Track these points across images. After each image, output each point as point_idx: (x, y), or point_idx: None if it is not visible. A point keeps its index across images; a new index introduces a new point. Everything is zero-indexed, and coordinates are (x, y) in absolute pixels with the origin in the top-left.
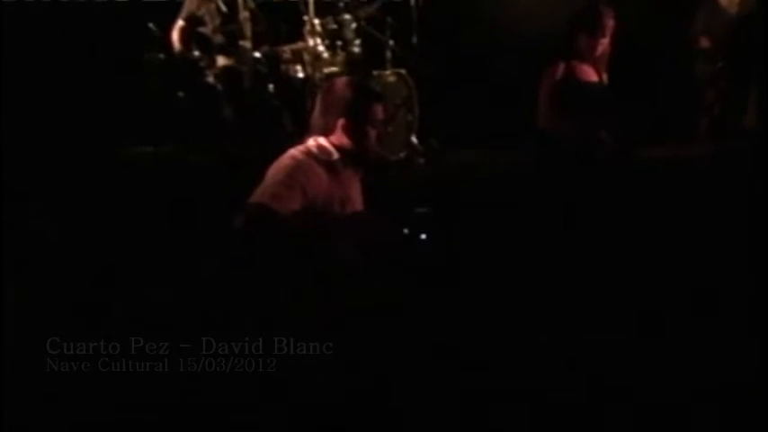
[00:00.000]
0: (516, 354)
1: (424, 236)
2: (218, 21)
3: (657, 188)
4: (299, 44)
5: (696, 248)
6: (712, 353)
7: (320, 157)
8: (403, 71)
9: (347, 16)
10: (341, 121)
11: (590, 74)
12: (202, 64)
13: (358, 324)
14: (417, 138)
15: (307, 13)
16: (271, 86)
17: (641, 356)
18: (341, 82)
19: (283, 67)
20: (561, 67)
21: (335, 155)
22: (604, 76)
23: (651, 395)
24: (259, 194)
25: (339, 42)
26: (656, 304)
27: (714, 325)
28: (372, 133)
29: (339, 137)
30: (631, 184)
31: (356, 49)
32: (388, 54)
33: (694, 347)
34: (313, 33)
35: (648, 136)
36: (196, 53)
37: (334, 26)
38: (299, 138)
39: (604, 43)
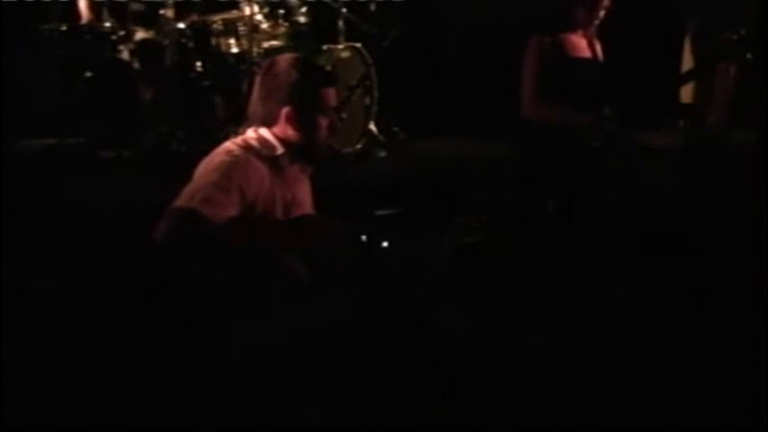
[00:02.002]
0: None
1: (386, 244)
2: None
3: (667, 183)
4: (233, 13)
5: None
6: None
7: (262, 151)
8: (359, 45)
9: None
10: (285, 110)
11: (582, 47)
12: (115, 37)
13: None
14: (377, 126)
15: None
16: (198, 64)
17: None
18: (283, 61)
19: (214, 40)
20: (547, 40)
21: (280, 149)
22: (598, 47)
23: None
24: (187, 198)
25: (281, 11)
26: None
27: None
28: (323, 123)
29: (284, 128)
30: (637, 180)
31: (302, 19)
32: (341, 24)
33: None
34: (250, 0)
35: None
36: (108, 24)
37: None
38: (234, 125)
39: (602, 15)
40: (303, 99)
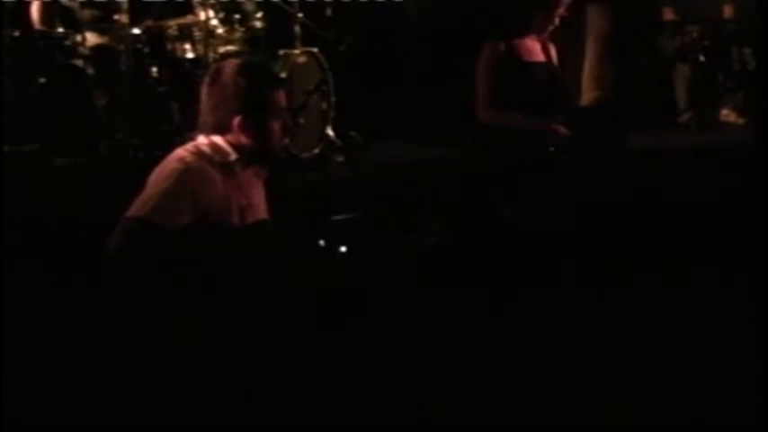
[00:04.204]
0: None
1: (343, 249)
2: None
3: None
4: (188, 18)
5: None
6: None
7: (214, 158)
8: (315, 50)
9: None
10: (237, 119)
11: (536, 51)
12: (69, 43)
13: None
14: (334, 130)
15: None
16: (154, 69)
17: None
18: (229, 68)
19: (169, 45)
20: (501, 46)
21: (233, 155)
22: (552, 51)
23: None
24: (140, 206)
25: (237, 16)
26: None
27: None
28: (276, 126)
29: (237, 135)
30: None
31: (258, 24)
32: (297, 29)
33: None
34: (205, 5)
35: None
36: (60, 29)
37: None
38: (190, 131)
39: (558, 20)
40: (254, 106)
